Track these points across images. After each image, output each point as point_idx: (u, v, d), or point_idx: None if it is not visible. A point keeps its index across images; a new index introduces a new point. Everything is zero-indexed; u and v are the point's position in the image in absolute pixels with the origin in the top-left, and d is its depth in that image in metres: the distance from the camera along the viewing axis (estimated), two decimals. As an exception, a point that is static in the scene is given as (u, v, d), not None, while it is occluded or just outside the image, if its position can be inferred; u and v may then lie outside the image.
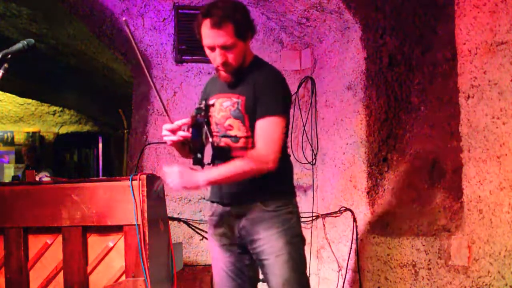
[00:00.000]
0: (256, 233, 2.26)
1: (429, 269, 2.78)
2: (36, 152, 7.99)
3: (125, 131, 6.53)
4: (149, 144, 3.98)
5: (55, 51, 6.28)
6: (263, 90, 2.24)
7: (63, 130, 10.20)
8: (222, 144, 2.32)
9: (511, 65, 2.27)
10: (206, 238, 3.99)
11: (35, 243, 2.79)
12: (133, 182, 2.67)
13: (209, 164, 2.31)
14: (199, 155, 2.22)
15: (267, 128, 2.21)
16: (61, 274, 2.74)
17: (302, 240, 2.34)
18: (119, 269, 2.70)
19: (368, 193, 3.45)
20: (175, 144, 2.27)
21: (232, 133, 2.29)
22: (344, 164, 3.68)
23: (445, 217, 2.82)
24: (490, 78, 2.37)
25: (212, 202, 2.42)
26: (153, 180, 2.76)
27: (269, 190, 2.27)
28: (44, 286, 2.76)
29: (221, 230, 2.36)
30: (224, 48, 2.19)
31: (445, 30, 3.22)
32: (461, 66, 2.55)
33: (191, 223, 3.99)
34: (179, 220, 3.96)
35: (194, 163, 2.25)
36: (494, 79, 2.35)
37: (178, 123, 2.24)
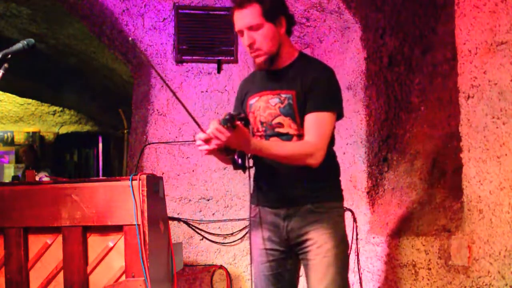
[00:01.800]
0: (306, 234, 2.21)
1: (429, 269, 2.78)
2: (36, 152, 8.00)
3: (125, 131, 6.53)
4: (149, 144, 3.98)
5: (55, 51, 6.28)
6: (314, 83, 2.15)
7: (63, 130, 10.20)
8: None
9: (511, 65, 2.27)
10: (207, 238, 4.00)
11: (35, 243, 2.79)
12: (133, 182, 2.67)
13: (251, 167, 2.24)
14: (239, 160, 2.16)
15: (317, 123, 2.13)
16: (61, 274, 2.74)
17: (347, 246, 2.32)
18: (119, 269, 2.70)
19: (368, 193, 3.45)
20: (212, 152, 2.12)
21: (283, 131, 2.20)
22: (344, 164, 3.68)
23: (445, 217, 2.82)
24: (490, 78, 2.37)
25: (256, 205, 2.33)
26: (153, 180, 2.76)
27: (320, 192, 2.22)
28: (44, 286, 2.77)
29: (265, 233, 2.29)
30: (250, 29, 2.12)
31: (445, 30, 3.22)
32: (461, 66, 2.55)
33: (191, 223, 3.99)
34: (179, 220, 3.96)
35: (236, 168, 2.19)
36: (494, 79, 2.35)
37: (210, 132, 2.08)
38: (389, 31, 3.47)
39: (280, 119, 2.19)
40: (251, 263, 2.39)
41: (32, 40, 2.09)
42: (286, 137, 2.19)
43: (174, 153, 3.99)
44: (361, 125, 3.49)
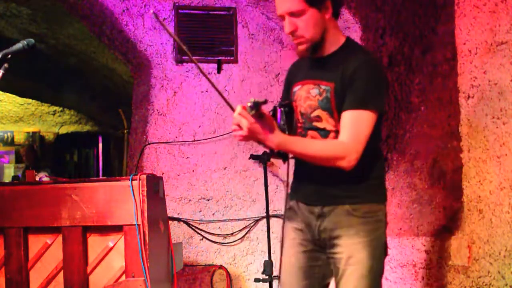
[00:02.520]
0: (338, 238, 2.03)
1: (429, 269, 2.78)
2: (36, 152, 8.00)
3: (125, 131, 6.53)
4: (149, 144, 3.98)
5: (55, 51, 6.27)
6: (354, 77, 1.95)
7: (63, 130, 10.19)
8: (308, 137, 2.07)
9: (511, 65, 2.27)
10: (207, 238, 4.00)
11: (35, 243, 2.79)
12: (133, 182, 2.67)
13: (291, 157, 2.07)
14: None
15: (353, 123, 1.94)
16: (61, 274, 2.74)
17: (385, 251, 2.10)
18: (119, 269, 2.70)
19: (368, 193, 3.45)
20: (247, 138, 1.95)
21: (320, 125, 2.03)
22: (344, 164, 3.67)
23: (445, 217, 2.82)
24: (490, 78, 2.37)
25: (291, 199, 2.17)
26: (153, 180, 2.76)
27: (359, 192, 2.04)
28: (44, 286, 2.76)
29: (298, 225, 2.12)
30: (292, 15, 1.95)
31: (445, 30, 3.21)
32: (461, 66, 2.55)
33: (191, 223, 3.99)
34: (179, 220, 3.96)
35: (274, 157, 2.05)
36: (494, 79, 2.35)
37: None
38: (389, 31, 3.47)
39: (318, 112, 2.02)
40: (280, 258, 2.18)
41: (32, 40, 2.09)
42: (324, 132, 2.03)
43: (174, 153, 3.99)
44: (361, 125, 3.49)
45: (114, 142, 10.08)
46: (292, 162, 2.14)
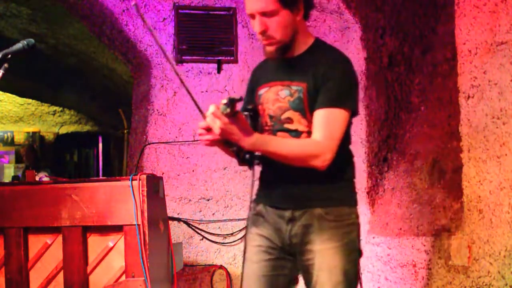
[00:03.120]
0: (311, 243, 1.96)
1: (429, 269, 2.78)
2: (36, 152, 8.00)
3: (125, 131, 6.53)
4: (149, 144, 3.98)
5: (55, 51, 6.28)
6: (327, 76, 1.91)
7: (63, 130, 10.20)
8: None
9: (511, 65, 2.27)
10: (207, 238, 4.00)
11: (35, 243, 2.79)
12: (133, 182, 2.67)
13: (258, 163, 1.98)
14: (246, 155, 1.92)
15: (327, 121, 1.90)
16: (61, 274, 2.74)
17: (359, 255, 2.03)
18: (119, 269, 2.70)
19: (368, 193, 3.45)
20: (214, 143, 1.92)
21: (292, 127, 1.98)
22: (344, 164, 3.67)
23: (445, 217, 2.82)
24: (490, 78, 2.37)
25: (258, 203, 2.09)
26: (153, 180, 2.76)
27: (331, 195, 1.98)
28: (44, 286, 2.77)
29: (266, 231, 2.04)
30: (264, 14, 1.89)
31: (445, 30, 3.21)
32: (461, 66, 2.55)
33: (191, 223, 3.99)
34: (179, 220, 3.96)
35: (241, 163, 1.95)
36: (494, 79, 2.35)
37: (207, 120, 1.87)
38: (389, 31, 3.47)
39: (289, 113, 1.97)
40: (243, 265, 2.11)
41: (32, 40, 2.09)
42: (295, 133, 1.98)
43: (174, 153, 3.99)
44: (361, 125, 3.49)
45: (114, 142, 10.08)
46: (257, 167, 2.03)
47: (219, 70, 4.10)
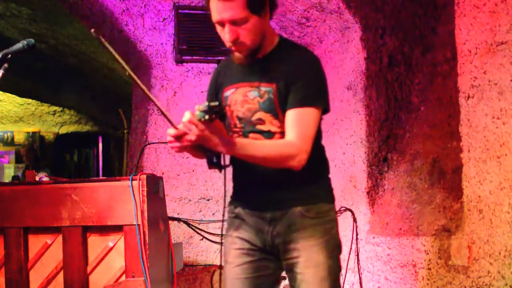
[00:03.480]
0: (294, 242, 1.97)
1: (429, 269, 2.78)
2: (36, 152, 8.01)
3: (125, 131, 6.53)
4: (149, 144, 3.98)
5: (55, 51, 6.28)
6: (297, 76, 1.90)
7: (63, 130, 10.20)
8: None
9: (511, 65, 2.27)
10: (207, 238, 4.00)
11: (35, 243, 2.79)
12: (133, 182, 2.67)
13: (228, 166, 1.99)
14: (214, 159, 1.91)
15: (299, 121, 1.89)
16: (61, 274, 2.74)
17: (340, 251, 2.06)
18: (119, 269, 2.70)
19: (368, 193, 3.45)
20: (184, 149, 1.93)
21: (264, 128, 1.96)
22: (344, 164, 3.68)
23: (445, 217, 2.82)
24: (490, 78, 2.37)
25: (236, 206, 2.09)
26: (153, 180, 2.76)
27: (310, 193, 1.99)
28: (44, 286, 2.76)
29: (246, 234, 2.03)
30: (234, 23, 1.88)
31: (445, 30, 3.22)
32: (461, 66, 2.55)
33: (191, 223, 3.99)
34: (179, 220, 3.96)
35: (210, 167, 1.94)
36: (494, 79, 2.35)
37: (182, 127, 1.90)
38: (389, 31, 3.47)
39: (260, 114, 1.95)
40: (225, 268, 2.08)
41: (32, 40, 2.08)
42: (268, 134, 1.96)
43: (174, 153, 3.99)
44: (361, 125, 3.49)
45: (114, 142, 10.09)
46: (228, 169, 2.04)
47: (219, 70, 4.10)
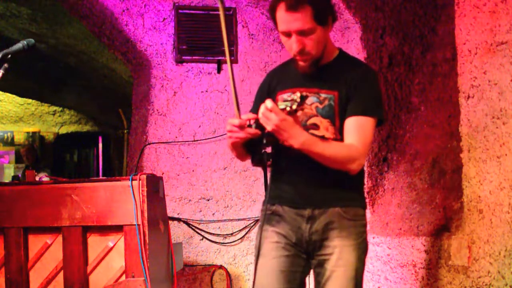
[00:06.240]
0: (330, 239, 2.05)
1: (429, 269, 2.78)
2: (36, 152, 8.00)
3: (125, 131, 6.53)
4: (149, 144, 3.98)
5: (55, 51, 6.28)
6: (360, 86, 2.01)
7: (63, 130, 10.19)
8: None
9: (511, 65, 2.27)
10: (207, 238, 4.00)
11: (35, 243, 2.79)
12: (133, 182, 2.67)
13: (269, 164, 2.07)
14: (264, 152, 1.98)
15: (360, 128, 1.98)
16: (61, 274, 2.74)
17: (366, 255, 2.14)
18: (119, 269, 2.70)
19: (368, 193, 3.45)
20: (238, 142, 1.99)
21: (318, 133, 2.02)
22: (344, 164, 3.67)
23: (445, 217, 2.82)
24: (490, 78, 2.37)
25: (273, 203, 2.14)
26: (153, 180, 2.76)
27: (349, 196, 2.08)
28: (44, 286, 2.77)
29: (283, 229, 2.09)
30: (301, 33, 1.95)
31: (445, 30, 3.21)
32: (461, 66, 2.55)
33: (191, 223, 3.99)
34: (179, 220, 3.96)
35: (255, 163, 2.01)
36: (494, 79, 2.35)
37: (245, 117, 1.97)
38: (389, 31, 3.47)
39: (316, 120, 2.03)
40: (256, 261, 2.10)
41: (32, 40, 2.09)
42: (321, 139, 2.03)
43: (174, 153, 4.00)
44: (361, 125, 3.49)
45: (114, 142, 10.08)
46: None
47: (219, 70, 4.10)
